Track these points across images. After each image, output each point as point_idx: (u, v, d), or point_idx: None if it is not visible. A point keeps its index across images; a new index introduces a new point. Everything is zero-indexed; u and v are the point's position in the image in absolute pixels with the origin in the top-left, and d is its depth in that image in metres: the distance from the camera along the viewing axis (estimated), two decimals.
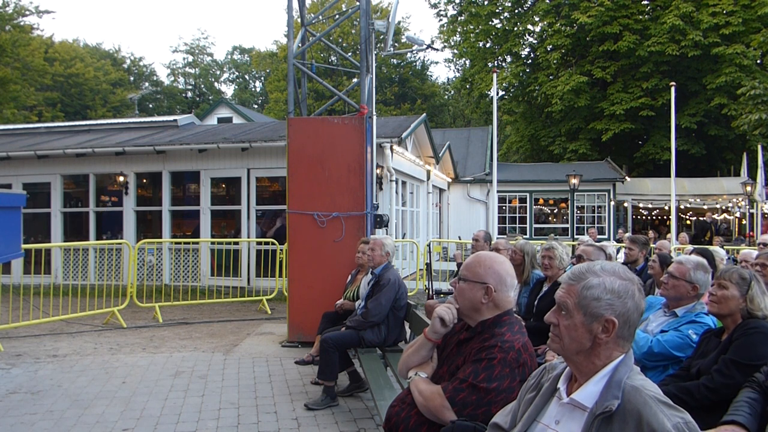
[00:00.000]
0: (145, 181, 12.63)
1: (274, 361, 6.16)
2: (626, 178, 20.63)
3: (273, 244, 9.82)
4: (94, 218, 12.21)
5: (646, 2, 25.35)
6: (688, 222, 24.56)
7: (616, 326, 1.54)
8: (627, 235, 10.91)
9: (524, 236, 18.55)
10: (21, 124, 21.87)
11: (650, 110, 23.41)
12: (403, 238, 13.31)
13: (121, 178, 11.91)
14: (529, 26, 28.84)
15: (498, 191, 14.98)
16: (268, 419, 4.43)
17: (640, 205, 21.53)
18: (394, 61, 38.50)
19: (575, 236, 17.03)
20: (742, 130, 18.58)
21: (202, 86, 52.45)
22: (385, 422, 2.41)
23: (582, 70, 24.88)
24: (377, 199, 9.76)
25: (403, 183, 13.71)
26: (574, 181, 17.32)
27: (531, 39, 29.35)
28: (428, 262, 8.02)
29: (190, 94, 51.82)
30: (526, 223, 20.23)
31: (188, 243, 11.34)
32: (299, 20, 7.98)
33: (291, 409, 4.66)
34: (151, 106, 48.29)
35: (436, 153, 16.05)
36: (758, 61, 23.19)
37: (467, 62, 33.57)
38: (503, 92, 29.70)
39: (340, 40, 34.81)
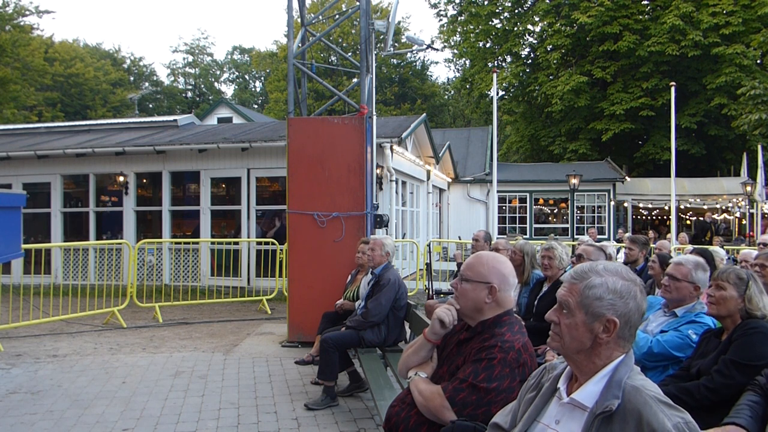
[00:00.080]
0: (145, 181, 12.63)
1: (274, 361, 6.16)
2: (626, 178, 20.64)
3: (273, 244, 9.82)
4: (94, 218, 12.21)
5: (646, 2, 25.35)
6: (688, 222, 24.56)
7: (617, 326, 1.54)
8: (627, 235, 10.91)
9: (524, 236, 18.55)
10: (21, 124, 21.87)
11: (650, 110, 23.42)
12: (403, 238, 13.31)
13: (121, 178, 11.91)
14: (529, 26, 28.86)
15: (498, 191, 14.98)
16: (268, 419, 4.43)
17: (640, 205, 21.53)
18: (394, 61, 38.51)
19: (575, 236, 17.03)
20: (742, 130, 18.58)
21: (202, 86, 52.46)
22: (385, 422, 2.41)
23: (582, 70, 24.89)
24: (377, 199, 9.76)
25: (403, 183, 13.71)
26: (574, 181, 17.32)
27: (531, 39, 29.36)
28: (428, 262, 8.02)
29: (190, 94, 51.82)
30: (526, 223, 20.23)
31: (188, 243, 11.34)
32: (299, 20, 7.98)
33: (291, 409, 4.66)
34: (151, 106, 48.30)
35: (436, 153, 16.05)
36: (758, 61, 23.19)
37: (467, 62, 33.57)
38: (503, 92, 29.71)
39: (340, 40, 34.82)
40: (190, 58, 51.30)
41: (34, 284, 7.95)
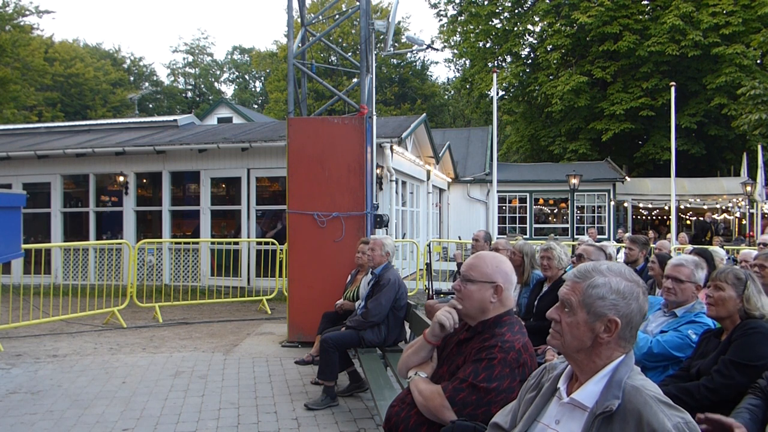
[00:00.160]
0: (145, 181, 12.63)
1: (274, 361, 6.16)
2: (626, 178, 20.64)
3: (273, 244, 9.82)
4: (94, 218, 12.21)
5: (646, 2, 25.35)
6: (688, 222, 24.56)
7: (618, 327, 1.54)
8: (627, 235, 10.92)
9: (524, 236, 18.55)
10: (21, 124, 21.87)
11: (650, 110, 23.42)
12: (403, 238, 13.31)
13: (121, 178, 11.92)
14: (529, 26, 28.86)
15: (498, 191, 14.99)
16: (268, 419, 4.43)
17: (640, 205, 21.53)
18: (394, 61, 38.50)
19: (575, 236, 17.03)
20: (742, 130, 18.58)
21: (202, 86, 52.45)
22: (385, 422, 2.41)
23: (582, 70, 24.89)
24: (377, 199, 9.76)
25: (403, 183, 13.71)
26: (574, 181, 17.32)
27: (531, 39, 29.36)
28: (428, 262, 8.03)
29: (190, 94, 51.82)
30: (526, 223, 20.24)
31: (188, 243, 11.34)
32: (299, 20, 7.98)
33: (291, 409, 4.66)
34: (151, 106, 48.29)
35: (436, 153, 16.05)
36: (758, 61, 23.19)
37: (467, 62, 33.57)
38: (503, 92, 29.70)
39: (340, 40, 34.82)
40: (190, 58, 51.32)
41: (34, 284, 7.95)
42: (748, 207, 18.62)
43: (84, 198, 12.52)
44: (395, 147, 11.25)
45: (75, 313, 7.91)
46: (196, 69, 51.59)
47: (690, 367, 2.86)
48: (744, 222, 20.33)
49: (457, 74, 39.72)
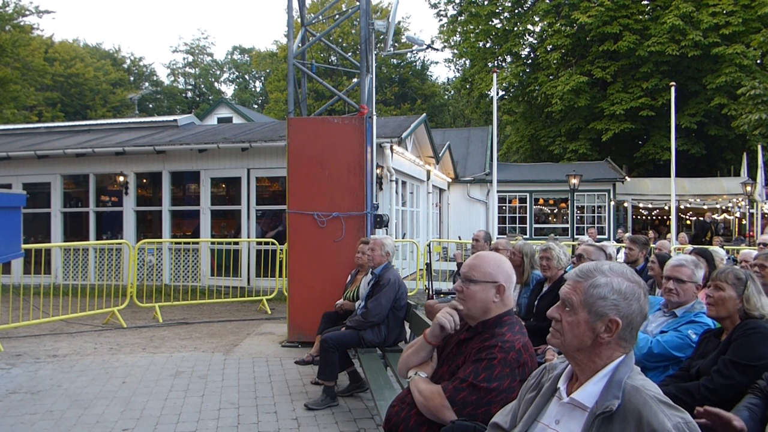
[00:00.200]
0: (145, 181, 12.63)
1: (274, 361, 6.16)
2: (626, 178, 20.64)
3: (273, 244, 9.82)
4: (94, 218, 12.21)
5: (646, 2, 25.35)
6: (688, 222, 24.56)
7: (619, 327, 1.54)
8: (627, 235, 10.92)
9: (524, 236, 18.55)
10: (21, 124, 21.87)
11: (650, 110, 23.42)
12: (403, 238, 13.31)
13: (121, 178, 11.92)
14: (529, 26, 28.86)
15: (498, 191, 14.99)
16: (268, 419, 4.43)
17: (640, 205, 21.53)
18: (394, 61, 38.50)
19: (575, 236, 17.03)
20: (742, 130, 18.58)
21: (202, 86, 52.45)
22: (385, 422, 2.41)
23: (582, 70, 24.89)
24: (377, 199, 9.76)
25: (403, 183, 13.72)
26: (574, 181, 17.32)
27: (531, 39, 29.36)
28: (428, 262, 8.04)
29: (190, 94, 51.82)
30: (526, 223, 20.24)
31: (188, 243, 11.34)
32: (299, 20, 7.98)
33: (291, 409, 4.66)
34: (151, 106, 48.29)
35: (436, 153, 16.05)
36: (758, 61, 23.19)
37: (467, 62, 33.57)
38: (503, 92, 29.71)
39: (340, 40, 34.81)
40: (190, 58, 51.32)
41: (34, 284, 7.95)
42: (748, 207, 18.62)
43: (84, 198, 12.53)
44: (395, 147, 11.25)
45: (75, 313, 7.91)
46: (196, 69, 51.59)
47: (690, 367, 2.86)
48: (744, 222, 20.33)
49: (457, 74, 39.77)
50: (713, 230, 19.94)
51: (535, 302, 4.57)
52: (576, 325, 1.58)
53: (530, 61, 29.06)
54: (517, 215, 20.37)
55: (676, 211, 15.34)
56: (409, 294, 5.35)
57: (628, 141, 26.81)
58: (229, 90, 55.38)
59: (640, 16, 24.35)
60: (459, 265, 7.00)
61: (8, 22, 26.02)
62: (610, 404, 1.47)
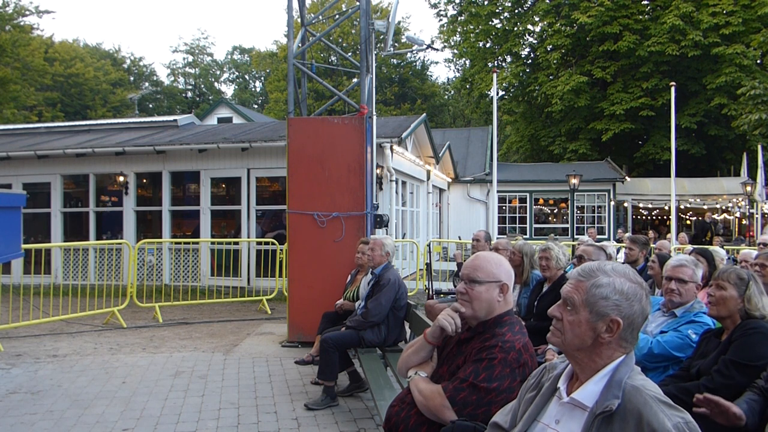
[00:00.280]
0: (145, 181, 12.63)
1: (274, 361, 6.16)
2: (626, 178, 20.64)
3: (273, 244, 9.82)
4: (94, 218, 12.22)
5: (646, 2, 25.35)
6: (688, 222, 24.56)
7: (620, 327, 1.54)
8: (627, 235, 10.92)
9: (524, 236, 18.54)
10: (21, 124, 21.87)
11: (650, 110, 23.42)
12: (403, 238, 13.31)
13: (121, 178, 11.92)
14: (529, 26, 28.86)
15: (498, 191, 14.99)
16: (268, 419, 4.43)
17: (640, 205, 21.53)
18: (394, 61, 38.50)
19: (575, 236, 17.03)
20: (742, 130, 18.58)
21: (202, 86, 52.45)
22: (385, 422, 2.41)
23: (582, 70, 24.89)
24: (377, 199, 9.76)
25: (403, 183, 13.72)
26: (574, 181, 17.32)
27: (531, 39, 29.36)
28: (428, 262, 8.05)
29: (190, 94, 51.82)
30: (526, 223, 20.24)
31: (188, 243, 11.34)
32: (299, 20, 7.98)
33: (291, 409, 4.66)
34: (151, 106, 48.29)
35: (436, 153, 16.05)
36: (758, 61, 23.19)
37: (467, 62, 33.57)
38: (503, 92, 29.70)
39: (340, 40, 34.81)
40: (190, 58, 51.32)
41: (34, 284, 7.95)
42: (748, 207, 18.62)
43: (84, 198, 12.52)
44: (395, 147, 11.25)
45: (75, 313, 7.91)
46: (196, 69, 51.60)
47: (690, 367, 2.86)
48: (744, 222, 20.33)
49: (457, 74, 39.77)
50: (713, 230, 19.94)
51: (535, 302, 4.57)
52: (577, 325, 1.58)
53: (530, 61, 29.06)
54: (517, 215, 20.37)
55: (676, 211, 15.34)
56: (409, 294, 5.35)
57: (628, 141, 26.81)
58: (229, 90, 55.47)
59: (640, 16, 24.35)
60: (459, 265, 7.00)
61: (8, 22, 26.02)
62: (610, 404, 1.47)
